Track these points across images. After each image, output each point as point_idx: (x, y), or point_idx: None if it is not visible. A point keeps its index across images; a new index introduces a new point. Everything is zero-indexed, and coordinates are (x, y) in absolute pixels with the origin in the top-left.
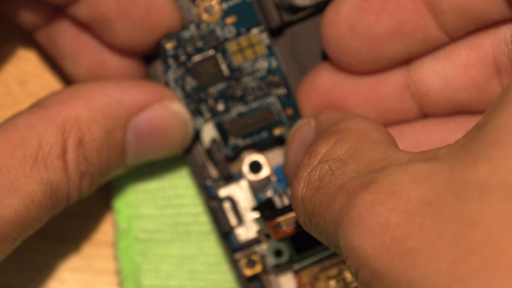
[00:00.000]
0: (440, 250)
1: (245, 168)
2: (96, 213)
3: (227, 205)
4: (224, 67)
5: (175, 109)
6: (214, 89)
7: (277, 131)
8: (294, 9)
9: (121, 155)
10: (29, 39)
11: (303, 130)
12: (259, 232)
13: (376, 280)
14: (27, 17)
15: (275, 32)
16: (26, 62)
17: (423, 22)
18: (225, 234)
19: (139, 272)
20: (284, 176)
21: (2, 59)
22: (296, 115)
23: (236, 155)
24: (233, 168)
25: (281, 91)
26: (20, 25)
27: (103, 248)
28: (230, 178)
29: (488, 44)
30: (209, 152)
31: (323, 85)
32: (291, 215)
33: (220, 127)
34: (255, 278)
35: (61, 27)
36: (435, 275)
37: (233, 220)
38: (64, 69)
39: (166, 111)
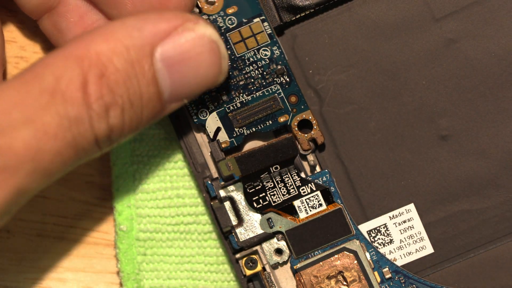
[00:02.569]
0: None
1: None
2: (97, 213)
3: (227, 205)
4: None
5: (201, 30)
6: None
7: (282, 119)
8: (294, 9)
9: (155, 87)
10: (29, 40)
11: None
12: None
13: None
14: (34, 4)
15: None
16: (26, 62)
17: None
18: (226, 233)
19: (140, 272)
20: None
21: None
22: (300, 102)
23: (241, 144)
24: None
25: (284, 79)
26: (27, 13)
27: (104, 248)
28: (230, 178)
29: None
30: (214, 141)
31: None
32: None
33: (224, 117)
34: (255, 277)
35: (65, 11)
36: None
37: (233, 219)
38: None
39: (191, 34)
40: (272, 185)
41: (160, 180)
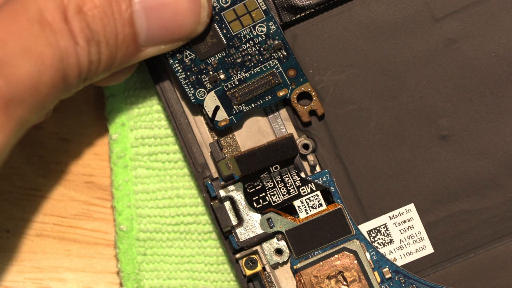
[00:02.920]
0: None
1: None
2: (97, 213)
3: (227, 205)
4: (222, 36)
5: None
6: (213, 59)
7: (281, 93)
8: (294, 9)
9: (131, 29)
10: None
11: None
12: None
13: None
14: None
15: None
16: None
17: None
18: (226, 233)
19: (140, 272)
20: None
21: None
22: (298, 76)
23: (241, 121)
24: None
25: (282, 53)
26: None
27: (104, 248)
28: (230, 178)
29: None
30: (213, 121)
31: None
32: None
33: (223, 95)
34: (255, 277)
35: None
36: None
37: (233, 219)
38: None
39: None
40: (272, 185)
41: (160, 180)
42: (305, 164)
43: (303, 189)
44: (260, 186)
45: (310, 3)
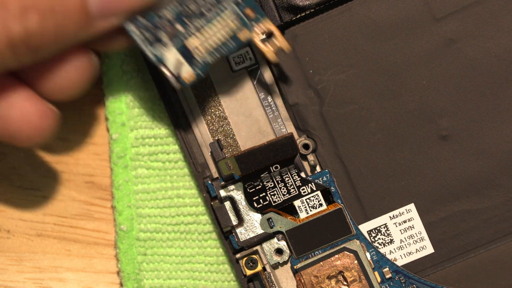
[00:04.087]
0: None
1: None
2: (97, 213)
3: (227, 205)
4: None
5: None
6: (168, 12)
7: (243, 35)
8: (294, 9)
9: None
10: None
11: None
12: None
13: None
14: None
15: None
16: None
17: None
18: (226, 233)
19: (140, 272)
20: None
21: None
22: (257, 14)
23: (207, 72)
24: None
25: None
26: None
27: (104, 248)
28: (230, 177)
29: None
30: (178, 79)
31: None
32: None
33: (183, 49)
34: (255, 277)
35: None
36: None
37: (233, 219)
38: None
39: None
40: (272, 185)
41: (160, 180)
42: (305, 164)
43: (303, 189)
44: (260, 186)
45: (310, 3)
